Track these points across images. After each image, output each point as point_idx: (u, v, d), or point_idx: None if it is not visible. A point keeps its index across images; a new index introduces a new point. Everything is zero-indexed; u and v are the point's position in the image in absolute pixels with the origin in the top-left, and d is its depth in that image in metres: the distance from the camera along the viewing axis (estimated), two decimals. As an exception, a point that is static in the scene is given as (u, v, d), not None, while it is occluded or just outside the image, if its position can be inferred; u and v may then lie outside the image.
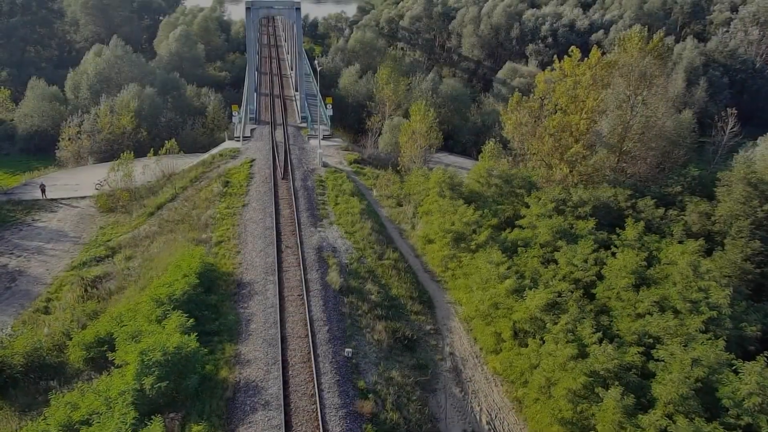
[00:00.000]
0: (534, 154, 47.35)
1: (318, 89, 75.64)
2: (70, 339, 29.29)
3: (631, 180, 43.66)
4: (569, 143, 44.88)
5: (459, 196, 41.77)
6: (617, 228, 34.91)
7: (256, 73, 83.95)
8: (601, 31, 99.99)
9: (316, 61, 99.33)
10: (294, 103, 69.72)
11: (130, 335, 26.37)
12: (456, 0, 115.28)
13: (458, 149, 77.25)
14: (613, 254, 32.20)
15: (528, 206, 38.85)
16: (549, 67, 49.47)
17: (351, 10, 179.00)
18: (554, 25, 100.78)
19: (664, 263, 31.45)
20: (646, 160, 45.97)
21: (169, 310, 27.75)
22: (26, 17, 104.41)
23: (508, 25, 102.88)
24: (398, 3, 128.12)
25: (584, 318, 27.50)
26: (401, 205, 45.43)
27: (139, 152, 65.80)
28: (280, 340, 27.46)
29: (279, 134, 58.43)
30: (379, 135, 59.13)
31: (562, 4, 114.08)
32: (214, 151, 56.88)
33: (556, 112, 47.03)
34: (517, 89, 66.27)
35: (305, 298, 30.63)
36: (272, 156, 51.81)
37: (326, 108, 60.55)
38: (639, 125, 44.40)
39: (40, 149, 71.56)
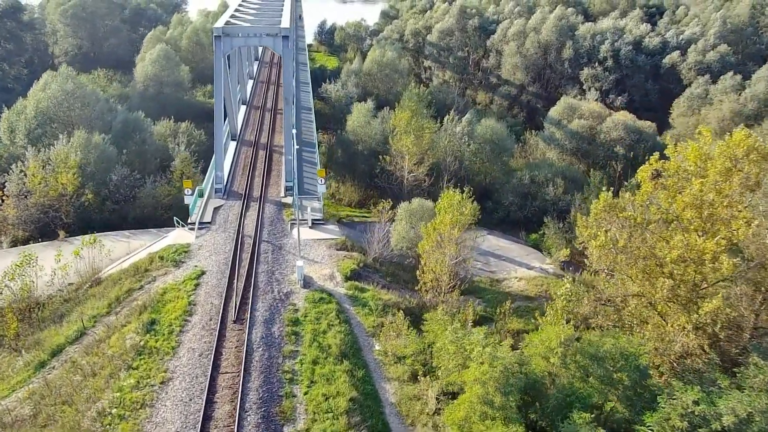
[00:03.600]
0: (637, 296, 29.40)
1: (317, 138, 58.68)
2: None
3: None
4: (699, 290, 26.99)
5: (517, 390, 24.21)
6: None
7: (245, 106, 67.24)
8: (677, 53, 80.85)
9: (324, 86, 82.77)
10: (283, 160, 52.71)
11: None
12: (495, 11, 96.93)
13: (500, 215, 59.47)
14: None
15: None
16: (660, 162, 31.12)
17: (376, 11, 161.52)
18: (616, 43, 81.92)
19: None
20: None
21: None
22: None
23: (559, 43, 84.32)
24: (426, 11, 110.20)
25: None
26: (417, 379, 28.07)
27: (83, 221, 50.36)
28: None
29: (251, 219, 41.56)
30: (391, 222, 41.88)
31: (623, 17, 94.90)
32: (156, 246, 40.19)
33: (671, 223, 29.15)
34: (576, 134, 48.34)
35: None
36: (231, 268, 34.96)
37: (321, 182, 43.44)
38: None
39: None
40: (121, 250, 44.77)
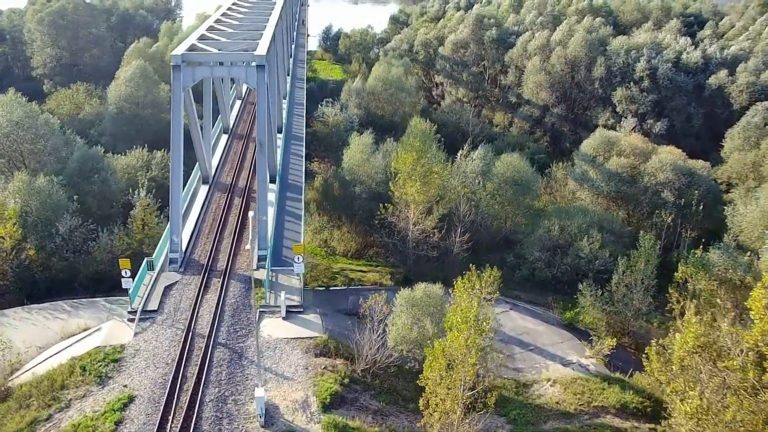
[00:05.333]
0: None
1: (306, 177, 49.48)
2: None
3: None
4: None
5: None
6: None
7: (226, 136, 58.12)
8: (724, 71, 70.63)
9: (321, 108, 73.32)
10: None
11: None
12: (515, 21, 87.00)
13: (523, 273, 49.84)
14: None
15: None
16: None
17: (388, 12, 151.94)
18: (653, 61, 71.81)
19: None
20: None
21: None
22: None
23: (588, 59, 74.34)
24: (438, 20, 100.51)
25: None
26: None
27: (24, 282, 42.74)
28: None
29: (209, 305, 32.30)
30: (383, 324, 32.11)
31: (657, 28, 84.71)
32: (82, 345, 30.98)
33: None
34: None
35: None
36: (169, 393, 25.73)
37: (298, 260, 34.02)
38: None
39: None
40: (56, 330, 36.03)
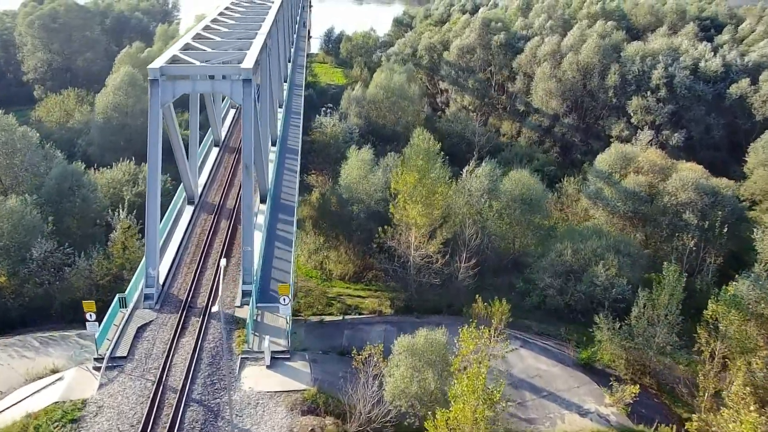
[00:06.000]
0: None
1: (297, 205, 46.14)
2: None
3: None
4: None
5: None
6: None
7: (217, 149, 54.74)
8: (746, 80, 66.77)
9: (319, 118, 69.78)
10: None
11: None
12: (524, 25, 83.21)
13: (533, 300, 46.24)
14: None
15: None
16: None
17: (393, 12, 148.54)
18: (670, 68, 67.96)
19: None
20: None
21: None
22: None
23: (602, 66, 70.54)
24: (443, 23, 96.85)
25: None
26: None
27: None
28: None
29: (185, 351, 28.82)
30: (379, 379, 28.41)
31: (674, 33, 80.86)
32: (40, 399, 27.56)
33: None
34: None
35: None
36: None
37: (284, 302, 30.49)
38: None
39: None
40: (21, 372, 32.74)
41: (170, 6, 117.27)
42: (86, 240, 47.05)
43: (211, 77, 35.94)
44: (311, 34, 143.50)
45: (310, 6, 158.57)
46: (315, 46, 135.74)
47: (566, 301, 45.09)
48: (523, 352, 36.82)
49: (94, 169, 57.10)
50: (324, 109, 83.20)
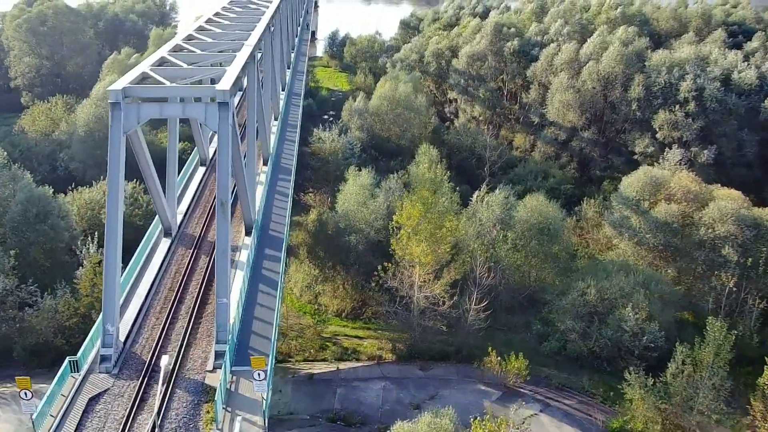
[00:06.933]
0: None
1: (287, 235, 41.33)
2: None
3: None
4: None
5: None
6: None
7: (204, 168, 49.94)
8: (782, 93, 61.32)
9: (317, 132, 64.89)
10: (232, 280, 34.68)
11: None
12: (538, 30, 77.90)
13: (552, 345, 41.21)
14: None
15: None
16: None
17: (401, 13, 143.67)
18: (699, 80, 62.53)
19: None
20: None
21: None
22: None
23: (625, 77, 65.20)
24: (452, 27, 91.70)
25: None
26: None
27: None
28: None
29: (141, 433, 24.07)
30: None
31: (701, 40, 75.38)
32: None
33: None
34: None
35: None
36: None
37: (258, 378, 25.50)
38: None
39: None
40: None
41: (168, 8, 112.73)
42: (56, 272, 42.55)
43: (182, 100, 31.28)
44: (317, 36, 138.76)
45: (316, 6, 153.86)
46: (320, 48, 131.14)
47: (590, 348, 40.15)
48: (543, 418, 31.90)
49: (73, 188, 52.80)
50: (325, 117, 78.31)
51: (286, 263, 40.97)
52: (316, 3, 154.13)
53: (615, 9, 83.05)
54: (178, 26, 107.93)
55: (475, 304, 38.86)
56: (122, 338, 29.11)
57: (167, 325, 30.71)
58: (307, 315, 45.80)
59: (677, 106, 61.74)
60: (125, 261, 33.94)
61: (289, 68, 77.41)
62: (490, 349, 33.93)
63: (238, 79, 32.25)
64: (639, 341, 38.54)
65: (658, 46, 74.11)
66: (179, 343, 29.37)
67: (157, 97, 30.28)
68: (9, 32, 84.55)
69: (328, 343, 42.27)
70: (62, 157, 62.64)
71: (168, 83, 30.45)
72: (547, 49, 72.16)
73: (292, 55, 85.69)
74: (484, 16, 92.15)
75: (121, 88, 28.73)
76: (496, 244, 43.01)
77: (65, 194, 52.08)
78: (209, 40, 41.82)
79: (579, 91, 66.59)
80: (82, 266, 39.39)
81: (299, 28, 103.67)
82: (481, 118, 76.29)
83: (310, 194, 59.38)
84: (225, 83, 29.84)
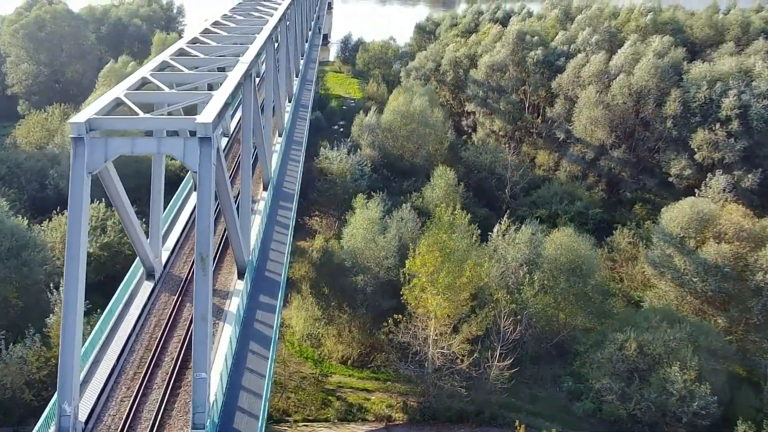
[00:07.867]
0: None
1: (286, 273, 36.73)
2: None
3: None
4: None
5: None
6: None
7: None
8: (836, 111, 55.60)
9: (324, 152, 60.18)
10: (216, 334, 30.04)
11: None
12: (564, 39, 72.64)
13: (587, 406, 36.17)
14: None
15: None
16: None
17: (417, 14, 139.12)
18: (744, 96, 57.05)
19: None
20: None
21: None
22: None
23: (659, 91, 59.86)
24: (471, 33, 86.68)
25: None
26: None
27: None
28: None
29: None
30: None
31: (741, 51, 69.76)
32: None
33: None
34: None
35: None
36: None
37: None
38: None
39: None
40: None
41: (174, 12, 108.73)
42: (30, 313, 38.30)
43: (156, 134, 26.81)
44: (329, 39, 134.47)
45: (330, 8, 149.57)
46: (333, 52, 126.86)
47: (629, 411, 35.05)
48: None
49: (59, 212, 48.61)
50: (335, 127, 73.65)
51: (284, 302, 36.47)
52: (329, 4, 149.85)
53: (645, 16, 77.65)
54: (185, 30, 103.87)
55: (498, 361, 33.95)
56: (85, 416, 24.58)
57: (139, 397, 26.14)
58: (309, 361, 41.13)
59: (718, 125, 56.31)
60: (103, 307, 29.61)
61: (297, 76, 72.94)
62: (517, 423, 29.04)
63: (225, 106, 27.59)
64: (688, 407, 33.46)
65: (693, 57, 68.71)
66: (150, 422, 24.79)
67: (128, 130, 25.75)
68: (6, 38, 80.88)
69: (331, 397, 37.62)
70: (52, 174, 58.54)
71: (142, 114, 25.87)
72: (575, 60, 66.90)
73: (301, 62, 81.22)
74: (504, 21, 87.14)
75: (84, 121, 24.20)
76: (522, 287, 38.06)
77: (50, 219, 48.04)
78: (201, 55, 36.90)
79: (608, 107, 61.27)
80: (53, 313, 35.04)
81: (310, 33, 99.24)
82: (501, 133, 71.25)
83: (315, 218, 54.86)
84: (207, 115, 25.13)
